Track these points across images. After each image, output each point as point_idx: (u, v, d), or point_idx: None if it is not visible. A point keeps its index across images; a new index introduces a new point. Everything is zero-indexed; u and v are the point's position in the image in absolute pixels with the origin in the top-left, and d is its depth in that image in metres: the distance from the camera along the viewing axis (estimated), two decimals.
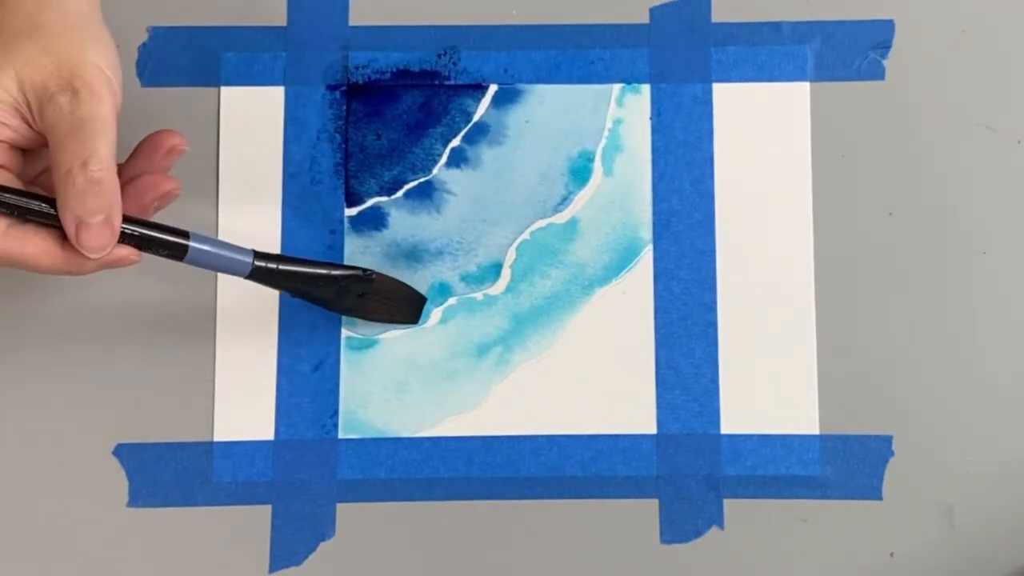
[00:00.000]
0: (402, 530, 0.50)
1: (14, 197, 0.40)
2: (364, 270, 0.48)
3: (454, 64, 0.53)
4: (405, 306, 0.50)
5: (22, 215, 0.40)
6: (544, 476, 0.50)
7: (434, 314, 0.51)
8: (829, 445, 0.50)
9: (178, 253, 0.43)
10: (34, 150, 0.43)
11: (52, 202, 0.41)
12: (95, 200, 0.40)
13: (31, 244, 0.41)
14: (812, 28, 0.53)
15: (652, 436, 0.50)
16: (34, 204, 0.40)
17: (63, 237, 0.41)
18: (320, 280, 0.47)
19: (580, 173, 0.52)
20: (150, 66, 0.53)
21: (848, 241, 0.52)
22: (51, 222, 0.41)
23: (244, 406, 0.50)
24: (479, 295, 0.52)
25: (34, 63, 0.40)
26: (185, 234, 0.43)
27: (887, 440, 0.50)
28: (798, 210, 0.52)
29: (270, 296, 0.51)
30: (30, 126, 0.41)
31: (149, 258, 0.42)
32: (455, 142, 0.53)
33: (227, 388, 0.50)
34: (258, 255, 0.45)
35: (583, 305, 0.51)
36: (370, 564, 0.50)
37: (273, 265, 0.45)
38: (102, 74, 0.41)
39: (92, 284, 0.51)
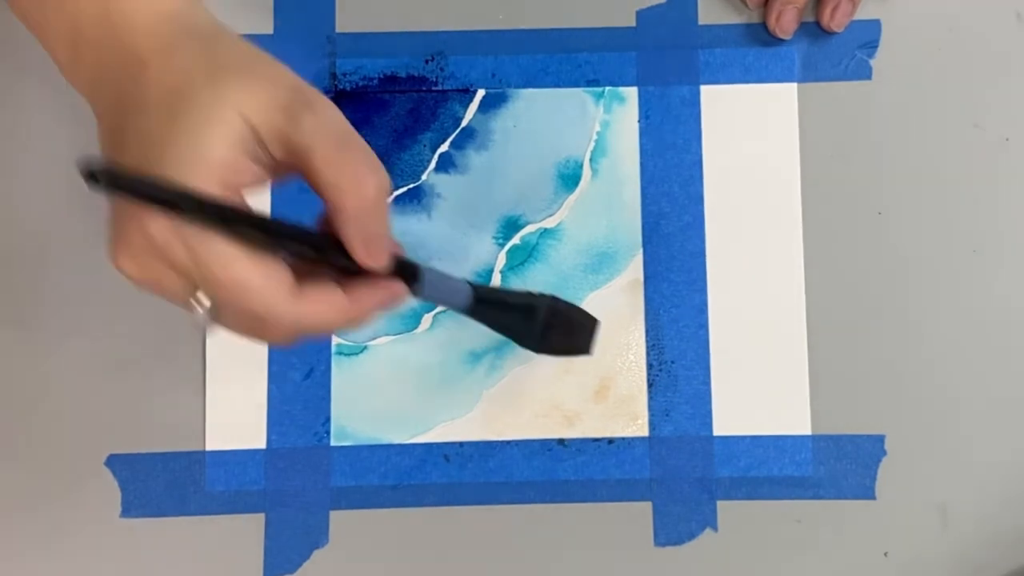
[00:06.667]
0: (396, 536, 0.50)
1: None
2: (552, 297, 0.46)
3: (441, 69, 0.53)
4: (584, 333, 0.48)
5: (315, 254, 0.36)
6: (537, 480, 0.50)
7: (425, 320, 0.51)
8: (821, 445, 0.50)
9: (414, 287, 0.39)
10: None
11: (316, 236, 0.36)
12: (383, 213, 0.36)
13: (321, 300, 0.36)
14: (799, 29, 0.53)
15: (645, 439, 0.50)
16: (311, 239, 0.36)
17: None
18: (522, 310, 0.45)
19: (569, 177, 0.52)
20: None
21: (838, 241, 0.52)
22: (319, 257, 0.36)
23: (236, 415, 0.50)
24: None
25: (251, 89, 0.34)
26: (416, 267, 0.39)
27: (879, 440, 0.50)
28: (787, 211, 0.52)
29: None
30: (256, 163, 0.35)
31: None
32: (443, 147, 0.53)
33: (218, 397, 0.50)
34: (473, 286, 0.42)
35: None
36: (364, 571, 0.50)
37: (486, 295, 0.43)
38: (310, 86, 0.37)
39: (82, 297, 0.51)
